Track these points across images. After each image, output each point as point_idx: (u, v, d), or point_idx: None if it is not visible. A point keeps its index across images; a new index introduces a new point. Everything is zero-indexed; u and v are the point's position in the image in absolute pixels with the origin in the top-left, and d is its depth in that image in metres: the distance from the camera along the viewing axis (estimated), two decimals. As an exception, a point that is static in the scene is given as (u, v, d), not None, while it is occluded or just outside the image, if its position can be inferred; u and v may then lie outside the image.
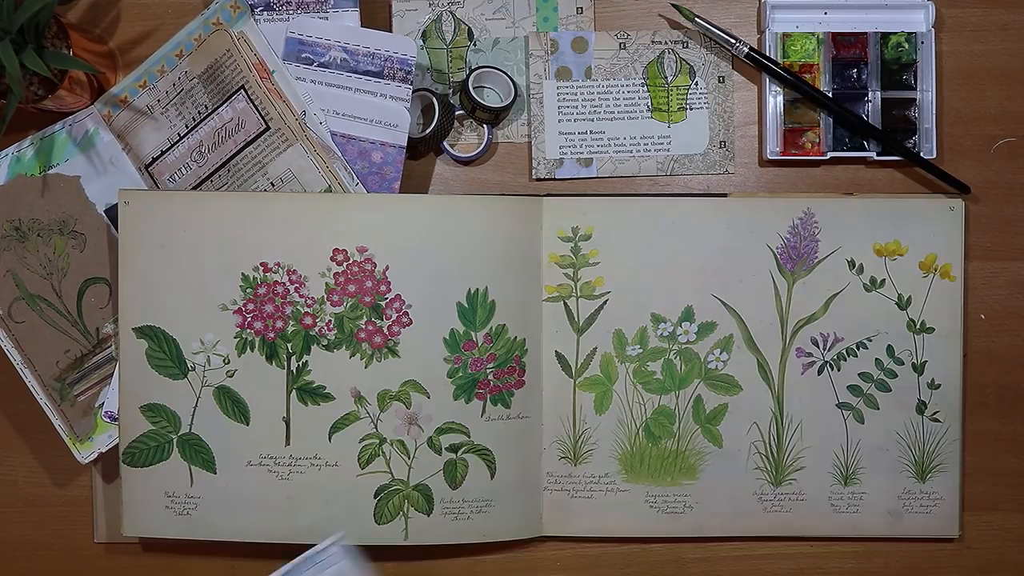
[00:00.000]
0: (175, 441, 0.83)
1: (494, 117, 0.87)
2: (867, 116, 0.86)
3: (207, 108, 0.84)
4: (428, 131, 0.85)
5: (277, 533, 0.84)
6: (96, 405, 0.84)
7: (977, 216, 0.87)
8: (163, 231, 0.82)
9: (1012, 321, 0.87)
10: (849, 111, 0.85)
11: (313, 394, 0.83)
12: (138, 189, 0.85)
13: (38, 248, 0.84)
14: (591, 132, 0.87)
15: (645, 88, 0.87)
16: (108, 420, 0.84)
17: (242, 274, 0.82)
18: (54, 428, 0.84)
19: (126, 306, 0.83)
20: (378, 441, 0.83)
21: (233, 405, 0.83)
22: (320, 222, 0.82)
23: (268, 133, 0.83)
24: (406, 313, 0.82)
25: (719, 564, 0.87)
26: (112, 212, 0.84)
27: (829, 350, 0.85)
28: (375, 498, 0.84)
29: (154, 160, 0.85)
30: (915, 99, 0.87)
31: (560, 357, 0.84)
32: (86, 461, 0.84)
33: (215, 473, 0.83)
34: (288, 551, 0.84)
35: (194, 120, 0.84)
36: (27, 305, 0.84)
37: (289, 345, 0.83)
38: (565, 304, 0.84)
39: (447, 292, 0.83)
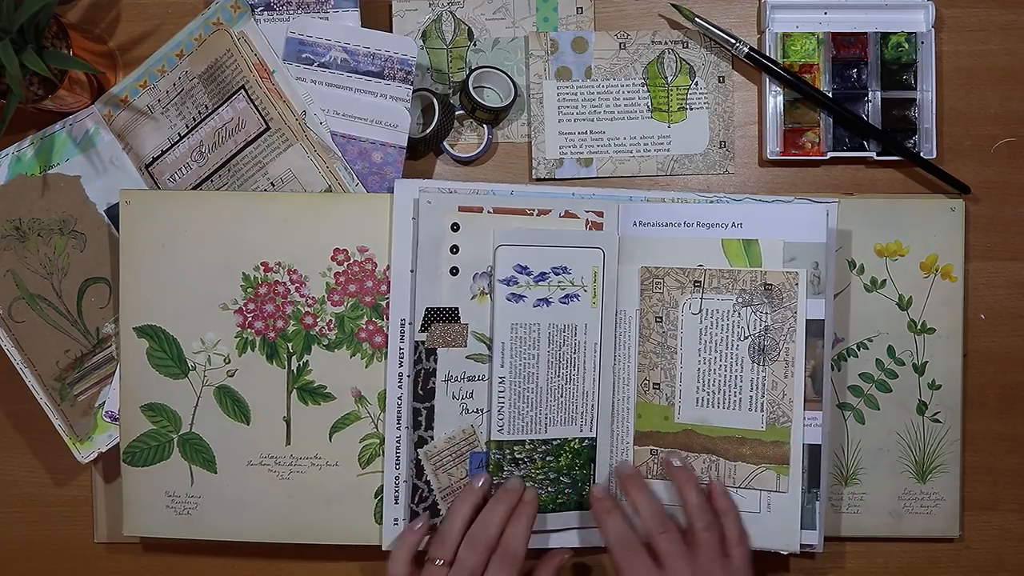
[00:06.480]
0: (175, 441, 0.83)
1: (494, 117, 0.87)
2: (867, 116, 0.87)
3: (207, 108, 0.84)
4: (428, 131, 0.85)
5: (278, 532, 0.83)
6: (96, 405, 0.84)
7: (977, 216, 0.87)
8: (164, 230, 0.82)
9: (1012, 321, 0.87)
10: (849, 111, 0.86)
11: (314, 394, 0.83)
12: (139, 189, 0.85)
13: (38, 248, 0.84)
14: (591, 132, 0.87)
15: (645, 88, 0.87)
16: (108, 420, 0.84)
17: (243, 274, 0.82)
18: (54, 428, 0.84)
19: (126, 305, 0.82)
20: (379, 441, 0.83)
21: (234, 404, 0.83)
22: (321, 222, 0.82)
23: (268, 133, 0.83)
24: (406, 313, 0.83)
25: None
26: (112, 212, 0.84)
27: (830, 350, 0.85)
28: (375, 498, 0.83)
29: (154, 160, 0.85)
30: (915, 99, 0.87)
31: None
32: (86, 461, 0.84)
33: (215, 473, 0.83)
34: (289, 551, 0.85)
35: (194, 120, 0.84)
36: (27, 305, 0.84)
37: (290, 344, 0.83)
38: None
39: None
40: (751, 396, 0.82)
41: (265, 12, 0.84)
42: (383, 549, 0.83)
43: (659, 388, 0.83)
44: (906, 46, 0.86)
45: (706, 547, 0.76)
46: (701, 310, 0.82)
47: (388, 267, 0.82)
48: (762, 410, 0.82)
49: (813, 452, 0.81)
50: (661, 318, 0.82)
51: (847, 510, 0.85)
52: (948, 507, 0.86)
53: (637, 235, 0.82)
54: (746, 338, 0.82)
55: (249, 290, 0.82)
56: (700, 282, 0.82)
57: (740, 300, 0.82)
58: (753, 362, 0.82)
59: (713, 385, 0.82)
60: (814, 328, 0.81)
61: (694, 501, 0.78)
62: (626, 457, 0.83)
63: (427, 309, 0.81)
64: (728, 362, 0.82)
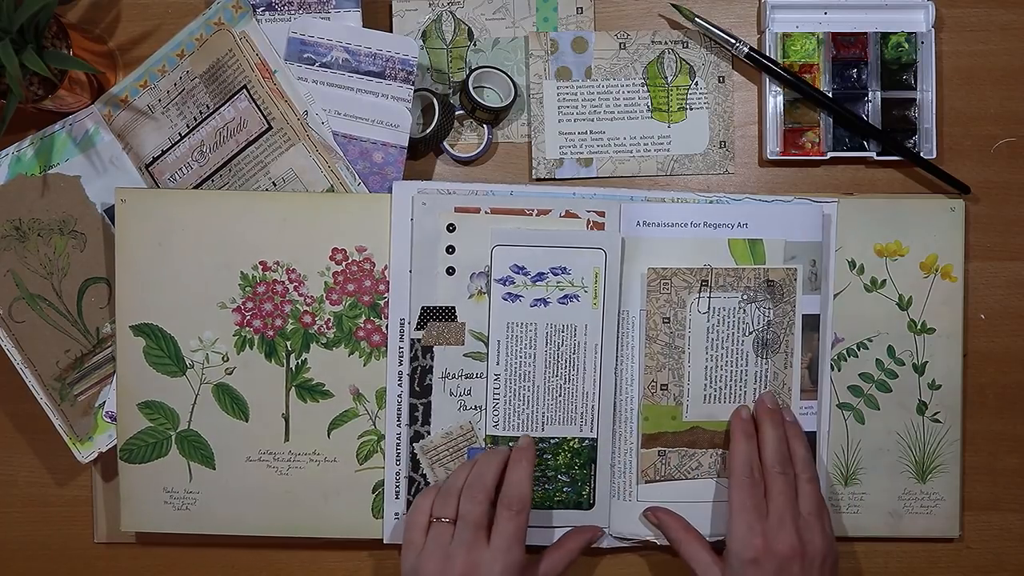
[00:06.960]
0: (173, 438, 0.83)
1: (494, 117, 0.87)
2: (867, 116, 0.86)
3: (209, 108, 0.84)
4: (428, 131, 0.85)
5: (276, 526, 0.84)
6: (96, 405, 0.84)
7: (977, 216, 0.87)
8: (160, 229, 0.82)
9: (1012, 321, 0.87)
10: (849, 111, 0.85)
11: (312, 391, 0.83)
12: (135, 187, 0.85)
13: (38, 248, 0.84)
14: (591, 132, 0.87)
15: (645, 88, 0.87)
16: (109, 420, 0.84)
17: (241, 272, 0.82)
18: (54, 428, 0.84)
19: (123, 304, 0.83)
20: (376, 437, 0.84)
21: (232, 402, 0.83)
22: (319, 222, 0.82)
23: (270, 133, 0.83)
24: (405, 312, 0.83)
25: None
26: (112, 212, 0.84)
27: (830, 350, 0.84)
28: (373, 493, 0.84)
29: (154, 160, 0.85)
30: (915, 99, 0.87)
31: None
32: (86, 461, 0.84)
33: (214, 469, 0.84)
34: (286, 544, 0.85)
35: (195, 120, 0.84)
36: (27, 305, 0.84)
37: (288, 343, 0.83)
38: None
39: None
40: (755, 388, 0.83)
41: (266, 12, 0.84)
42: (385, 543, 0.83)
43: (667, 389, 0.83)
44: (906, 46, 0.86)
45: (809, 499, 0.78)
46: (709, 308, 0.82)
47: (386, 267, 0.82)
48: None
49: (809, 439, 0.82)
50: (668, 319, 0.82)
51: (847, 510, 0.85)
52: (948, 507, 0.86)
53: (641, 235, 0.82)
54: (751, 333, 0.82)
55: (247, 289, 0.83)
56: (708, 281, 0.82)
57: (745, 297, 0.82)
58: (757, 355, 0.82)
59: (720, 381, 0.82)
60: (810, 322, 0.83)
61: (801, 454, 0.80)
62: (631, 459, 0.83)
63: (423, 308, 0.82)
64: (734, 357, 0.82)
